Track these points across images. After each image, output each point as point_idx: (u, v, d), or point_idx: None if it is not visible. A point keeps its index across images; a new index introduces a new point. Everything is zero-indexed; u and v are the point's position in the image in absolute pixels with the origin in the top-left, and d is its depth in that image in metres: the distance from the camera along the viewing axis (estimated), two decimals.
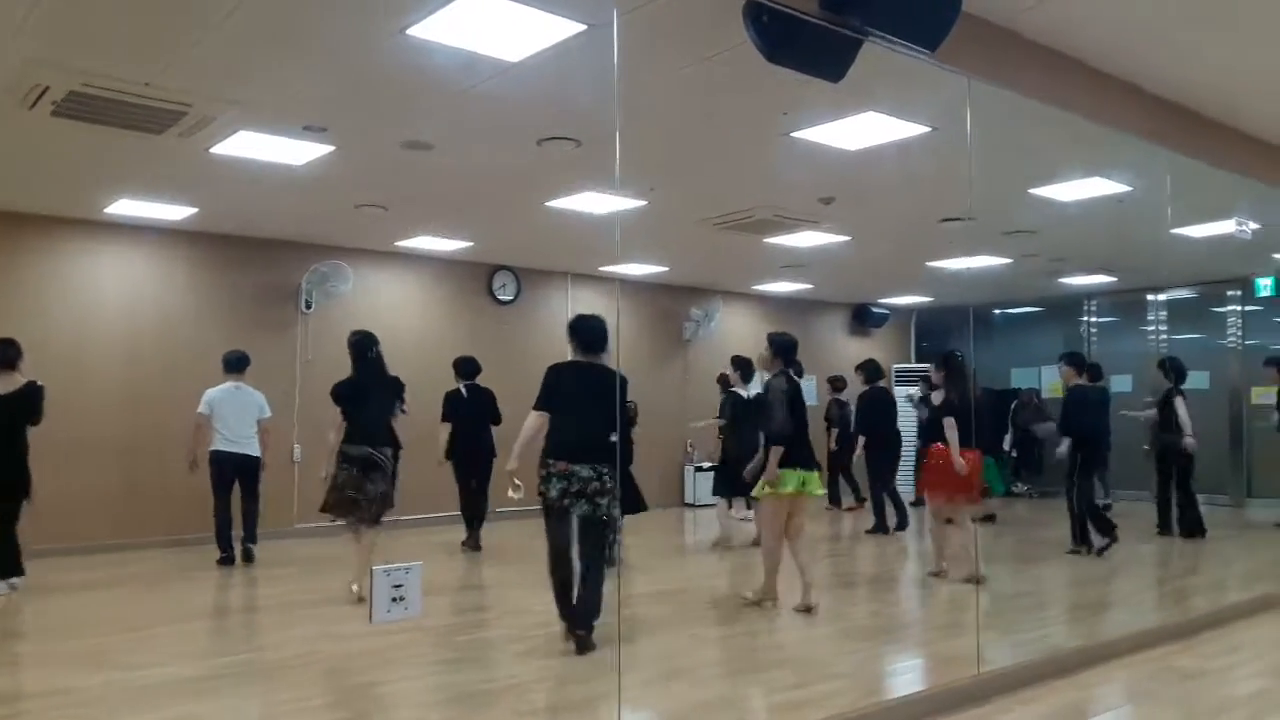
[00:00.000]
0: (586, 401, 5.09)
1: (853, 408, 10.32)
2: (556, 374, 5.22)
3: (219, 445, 7.76)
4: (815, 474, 5.99)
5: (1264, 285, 11.70)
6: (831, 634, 5.60)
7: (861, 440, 9.88)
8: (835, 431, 10.89)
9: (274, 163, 6.60)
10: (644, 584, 7.00)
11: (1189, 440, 8.81)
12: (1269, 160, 6.50)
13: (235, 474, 7.81)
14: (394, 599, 2.87)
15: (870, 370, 9.84)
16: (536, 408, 5.14)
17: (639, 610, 5.86)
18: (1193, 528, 9.11)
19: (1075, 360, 8.53)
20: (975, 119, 5.01)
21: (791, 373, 6.12)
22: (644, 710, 4.02)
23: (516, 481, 5.16)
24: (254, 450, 7.88)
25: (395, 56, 4.77)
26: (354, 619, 5.85)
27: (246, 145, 6.25)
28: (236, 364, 7.96)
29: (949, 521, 7.22)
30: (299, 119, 5.87)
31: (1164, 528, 9.19)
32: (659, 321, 12.57)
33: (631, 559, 7.90)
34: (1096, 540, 8.05)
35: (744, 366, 8.73)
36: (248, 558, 7.79)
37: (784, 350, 6.17)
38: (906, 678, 4.88)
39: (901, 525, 9.69)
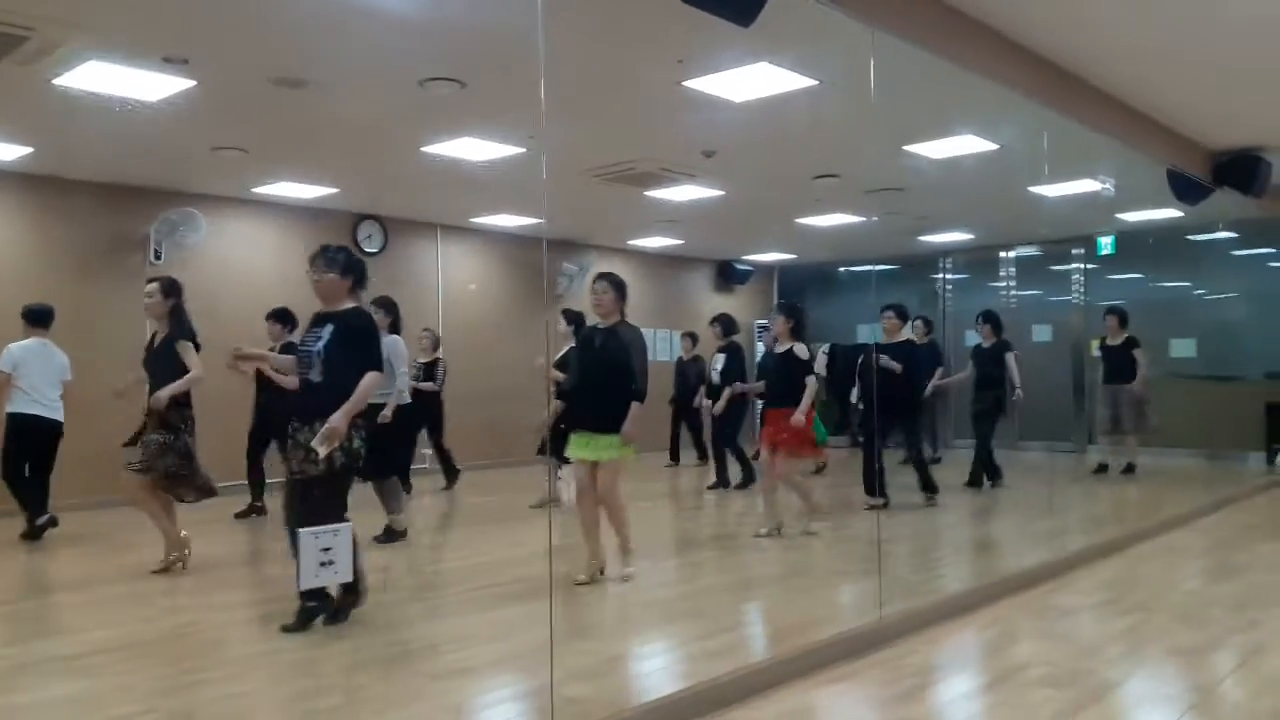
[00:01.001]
0: None
1: (707, 364, 10.28)
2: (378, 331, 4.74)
3: (23, 407, 6.96)
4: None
5: (1105, 244, 12.49)
6: (723, 586, 5.62)
7: (727, 392, 9.42)
8: (703, 387, 10.89)
9: (126, 97, 6.05)
10: (528, 543, 6.86)
11: (1019, 394, 8.93)
12: (1129, 122, 6.85)
13: (43, 439, 7.04)
14: (323, 563, 2.65)
15: (727, 324, 9.69)
16: (382, 370, 4.58)
17: (527, 571, 5.71)
18: (994, 475, 9.41)
19: (902, 311, 8.36)
20: (863, 73, 5.00)
21: None
22: (558, 667, 3.91)
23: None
24: (60, 415, 7.14)
25: None
26: (222, 589, 5.49)
27: (96, 77, 5.71)
28: (41, 317, 7.15)
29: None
30: (158, 49, 5.39)
31: (995, 479, 9.38)
32: (531, 276, 12.34)
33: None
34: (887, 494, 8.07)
35: (578, 320, 7.98)
36: (45, 530, 7.02)
37: (626, 294, 5.55)
38: (812, 624, 4.93)
39: (749, 482, 9.49)
